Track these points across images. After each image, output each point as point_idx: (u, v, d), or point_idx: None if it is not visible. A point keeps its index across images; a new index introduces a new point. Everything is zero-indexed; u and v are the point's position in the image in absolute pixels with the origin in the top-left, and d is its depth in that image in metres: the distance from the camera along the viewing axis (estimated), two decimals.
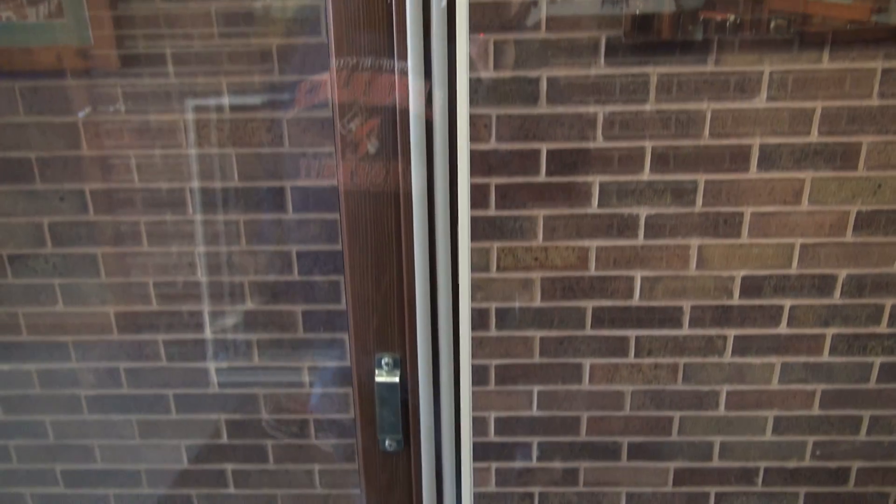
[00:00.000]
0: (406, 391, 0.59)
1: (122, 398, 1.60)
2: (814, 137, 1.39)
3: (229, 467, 1.66)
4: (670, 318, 1.51)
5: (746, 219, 1.44)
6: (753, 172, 1.41)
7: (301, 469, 1.66)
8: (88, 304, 1.54)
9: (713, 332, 1.52)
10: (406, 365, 0.56)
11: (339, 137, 0.69)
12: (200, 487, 1.68)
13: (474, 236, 1.46)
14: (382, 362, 0.57)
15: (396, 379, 0.58)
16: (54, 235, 1.49)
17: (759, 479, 1.63)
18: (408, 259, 0.57)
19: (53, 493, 1.69)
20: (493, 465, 1.64)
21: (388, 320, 0.56)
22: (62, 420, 1.63)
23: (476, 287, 1.50)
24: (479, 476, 1.65)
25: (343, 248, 0.59)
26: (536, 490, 1.65)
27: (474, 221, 1.45)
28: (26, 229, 1.48)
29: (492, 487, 1.65)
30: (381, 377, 0.59)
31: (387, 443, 0.61)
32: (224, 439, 1.63)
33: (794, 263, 1.47)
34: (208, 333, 1.55)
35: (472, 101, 1.39)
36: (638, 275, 1.49)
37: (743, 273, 1.48)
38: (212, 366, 1.57)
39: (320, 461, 1.66)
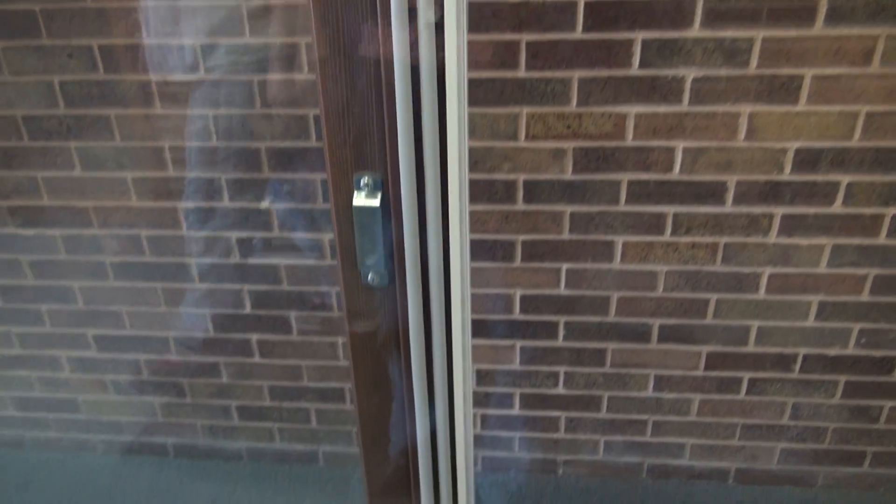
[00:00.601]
0: (389, 218, 0.52)
1: (145, 266, 1.60)
2: None
3: (254, 337, 1.67)
4: (713, 193, 1.40)
5: (806, 83, 1.29)
6: (819, 28, 1.25)
7: (325, 341, 1.66)
8: (105, 169, 1.50)
9: (759, 209, 1.41)
10: (388, 187, 0.49)
11: None
12: (227, 356, 1.70)
13: (500, 101, 1.35)
14: (361, 183, 0.50)
15: (377, 202, 0.51)
16: (66, 95, 1.44)
17: (797, 366, 1.56)
18: (386, 58, 0.48)
19: (87, 356, 1.73)
20: (518, 344, 1.60)
21: (366, 133, 0.49)
22: (90, 286, 1.64)
23: (503, 157, 1.41)
24: (504, 354, 1.62)
25: (314, 43, 0.51)
26: (562, 369, 1.62)
27: (501, 84, 1.34)
28: (37, 89, 1.44)
29: (516, 366, 1.63)
30: (361, 200, 0.52)
31: (370, 276, 0.55)
32: (248, 309, 1.63)
33: (857, 134, 1.33)
34: (226, 202, 1.51)
35: None
36: (680, 146, 1.37)
37: (797, 145, 1.34)
38: (232, 235, 1.55)
39: (344, 334, 1.65)
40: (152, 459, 1.83)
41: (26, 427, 1.86)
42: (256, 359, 1.69)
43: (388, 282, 0.55)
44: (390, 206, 0.51)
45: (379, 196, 0.51)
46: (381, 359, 0.61)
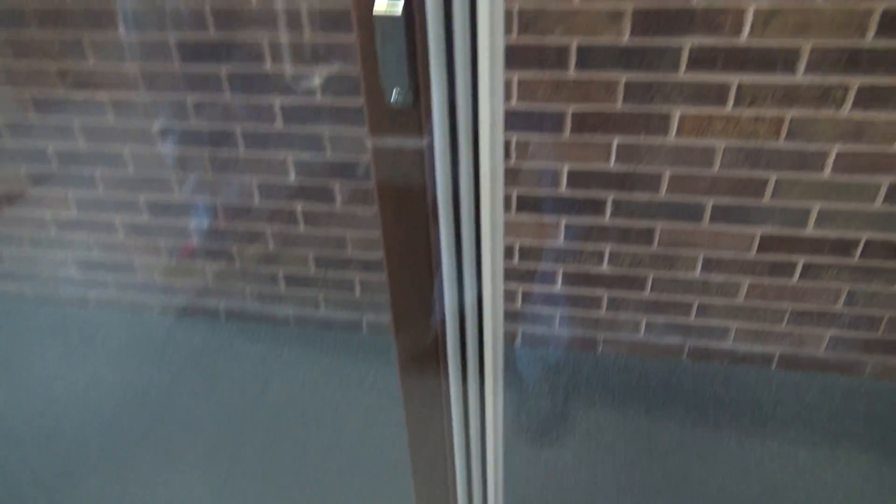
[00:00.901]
0: (413, 29, 0.49)
1: (191, 133, 1.60)
2: None
3: (299, 207, 1.68)
4: (784, 61, 1.29)
5: None
6: None
7: (369, 213, 1.66)
8: (148, 29, 1.48)
9: (834, 79, 1.30)
10: None
11: None
12: (273, 224, 1.72)
13: None
14: None
15: (399, 7, 0.47)
16: None
17: (858, 252, 1.48)
18: None
19: (139, 222, 1.78)
20: (563, 221, 1.57)
21: None
22: (138, 152, 1.66)
23: (555, 19, 1.31)
24: (548, 230, 1.59)
25: None
26: (607, 248, 1.59)
27: None
28: None
29: (560, 242, 1.60)
30: (382, 6, 0.48)
31: (393, 95, 0.52)
32: (292, 178, 1.63)
33: None
34: (269, 67, 1.47)
35: None
36: (752, 6, 1.25)
37: (885, 5, 1.21)
38: (276, 101, 1.52)
39: None
40: (205, 322, 1.92)
41: (88, 287, 1.95)
42: (301, 228, 1.71)
43: (412, 101, 0.52)
44: (415, 14, 0.48)
45: (402, 1, 0.47)
46: (405, 204, 0.59)
